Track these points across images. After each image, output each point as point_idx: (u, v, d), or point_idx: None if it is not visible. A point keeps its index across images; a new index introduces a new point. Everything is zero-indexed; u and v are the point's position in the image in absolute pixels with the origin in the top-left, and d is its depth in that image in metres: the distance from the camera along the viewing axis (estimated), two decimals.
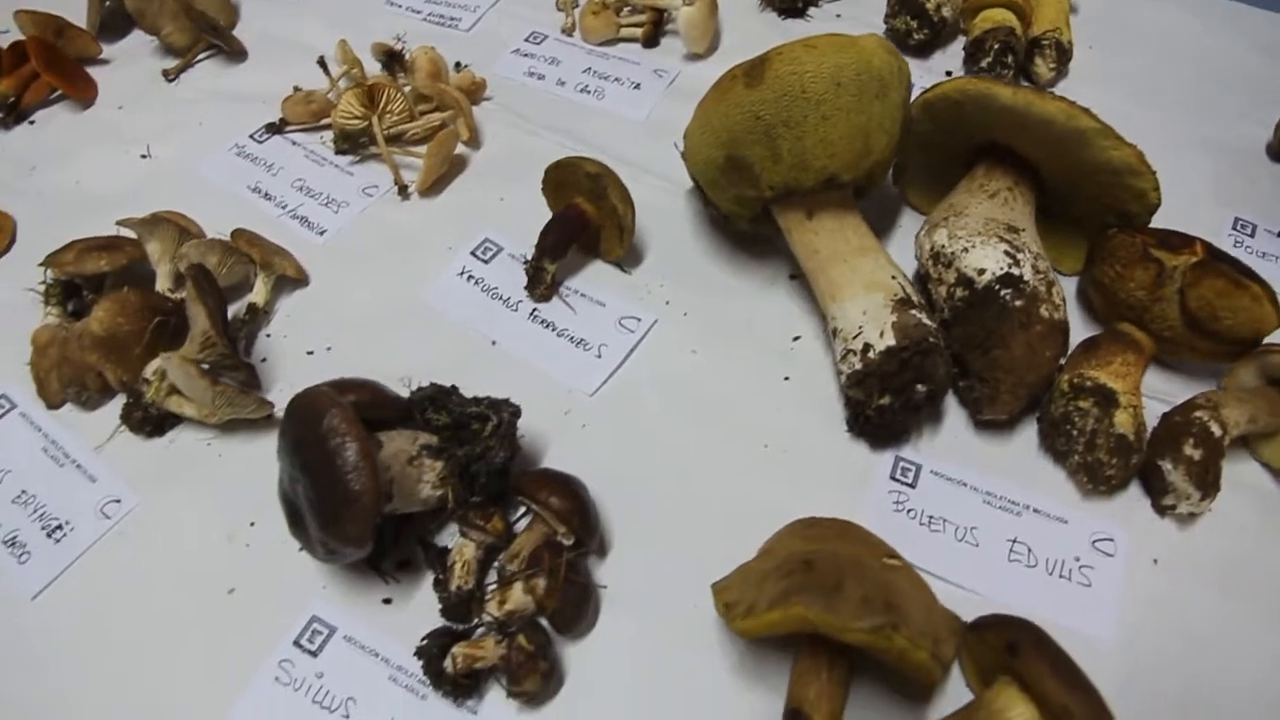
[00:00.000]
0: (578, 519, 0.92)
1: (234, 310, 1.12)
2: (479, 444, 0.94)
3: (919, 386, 1.00)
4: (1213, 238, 1.06)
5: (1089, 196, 1.10)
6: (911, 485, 1.03)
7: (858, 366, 1.00)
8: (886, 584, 0.80)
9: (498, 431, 0.94)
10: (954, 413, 1.09)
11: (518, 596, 0.90)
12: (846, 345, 1.02)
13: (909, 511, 1.01)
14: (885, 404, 1.01)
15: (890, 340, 0.99)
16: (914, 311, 1.01)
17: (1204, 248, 1.04)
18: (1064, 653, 0.81)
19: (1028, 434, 1.08)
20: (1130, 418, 1.00)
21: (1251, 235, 1.28)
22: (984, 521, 1.01)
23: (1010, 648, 0.81)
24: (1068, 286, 1.18)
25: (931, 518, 1.01)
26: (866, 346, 1.00)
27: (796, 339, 1.13)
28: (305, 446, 0.86)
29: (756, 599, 0.81)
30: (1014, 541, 1.00)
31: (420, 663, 0.88)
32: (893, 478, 1.03)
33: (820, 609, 0.76)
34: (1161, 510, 1.03)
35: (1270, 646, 0.93)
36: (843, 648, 0.85)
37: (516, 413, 0.96)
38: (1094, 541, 1.00)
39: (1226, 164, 1.33)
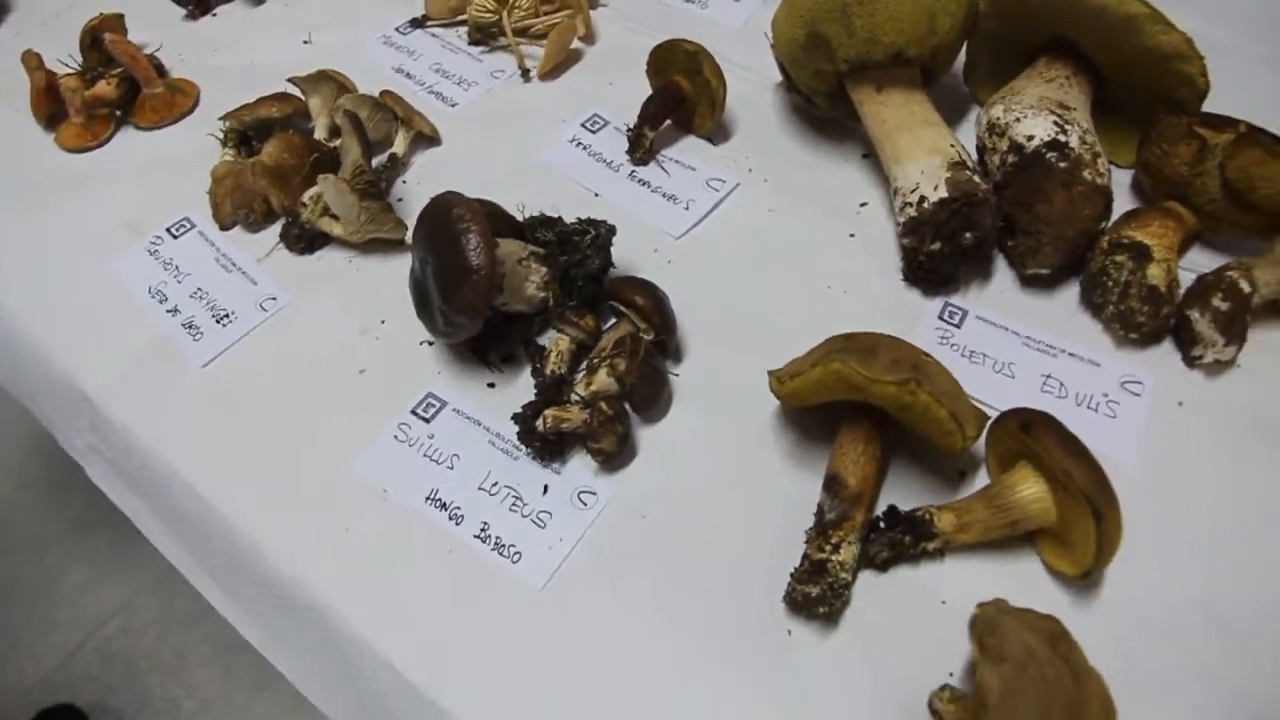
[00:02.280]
0: (658, 316, 1.07)
1: (378, 161, 1.31)
2: (578, 253, 1.10)
3: (967, 234, 1.13)
4: None
5: (1142, 87, 1.20)
6: (958, 326, 1.15)
7: (913, 214, 1.13)
8: (917, 358, 0.93)
9: (595, 242, 1.10)
10: (1002, 273, 1.21)
11: (602, 378, 1.05)
12: (904, 200, 1.16)
13: (952, 345, 1.13)
14: (935, 249, 1.14)
15: (943, 193, 1.12)
16: (967, 171, 1.14)
17: (1247, 127, 1.13)
18: (1072, 434, 0.93)
19: (1070, 293, 1.19)
20: (1163, 272, 1.10)
21: None
22: (1021, 359, 1.12)
23: (1024, 426, 0.93)
24: (1124, 180, 1.28)
25: (973, 352, 1.13)
26: (922, 199, 1.13)
27: (863, 205, 1.26)
28: (436, 231, 1.03)
29: (800, 366, 0.95)
30: (1048, 377, 1.11)
31: (516, 427, 1.04)
32: (940, 318, 1.16)
33: (855, 363, 0.90)
34: (1191, 361, 1.12)
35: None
36: (879, 425, 0.98)
37: (612, 229, 1.12)
38: (1123, 383, 1.11)
39: None
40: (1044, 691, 0.76)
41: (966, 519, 0.94)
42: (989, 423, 0.97)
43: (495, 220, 1.12)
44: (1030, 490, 0.93)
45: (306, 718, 2.15)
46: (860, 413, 0.97)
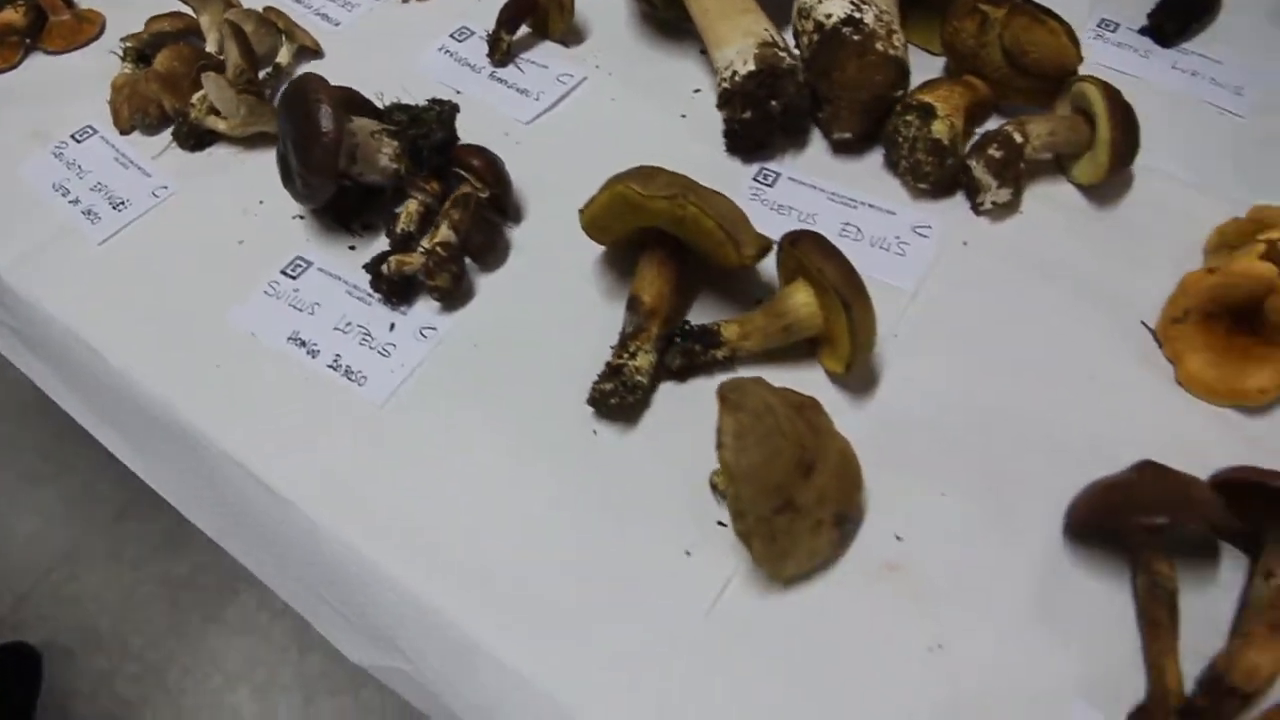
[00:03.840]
0: (491, 175, 1.21)
1: (265, 73, 1.46)
2: (424, 127, 1.24)
3: (773, 102, 1.27)
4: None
5: None
6: (770, 186, 1.29)
7: (725, 87, 1.28)
8: (694, 184, 1.07)
9: (439, 117, 1.24)
10: (817, 142, 1.35)
11: (443, 231, 1.19)
12: (721, 77, 1.30)
13: (763, 201, 1.27)
14: (747, 118, 1.28)
15: (751, 67, 1.26)
16: (773, 48, 1.28)
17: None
18: (835, 247, 1.06)
19: (876, 158, 1.33)
20: (946, 127, 1.24)
21: (1114, 31, 1.49)
22: (824, 210, 1.26)
23: (791, 240, 1.07)
24: (939, 65, 1.42)
25: (781, 206, 1.27)
26: (734, 74, 1.27)
27: (696, 91, 1.40)
28: (292, 105, 1.18)
29: (594, 195, 1.08)
30: (847, 224, 1.25)
31: (368, 276, 1.18)
32: (755, 180, 1.30)
33: (635, 184, 1.03)
34: (976, 208, 1.26)
35: (1051, 314, 1.17)
36: (674, 253, 1.12)
37: (455, 106, 1.26)
38: (915, 228, 1.25)
39: None
40: (776, 437, 0.90)
41: (748, 328, 1.08)
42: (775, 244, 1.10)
43: (353, 104, 1.26)
44: (799, 297, 1.06)
45: (253, 642, 2.28)
46: (657, 242, 1.11)
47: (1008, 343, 1.14)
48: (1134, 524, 0.90)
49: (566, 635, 0.94)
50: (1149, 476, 0.94)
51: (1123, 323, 1.16)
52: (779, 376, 1.03)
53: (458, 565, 0.98)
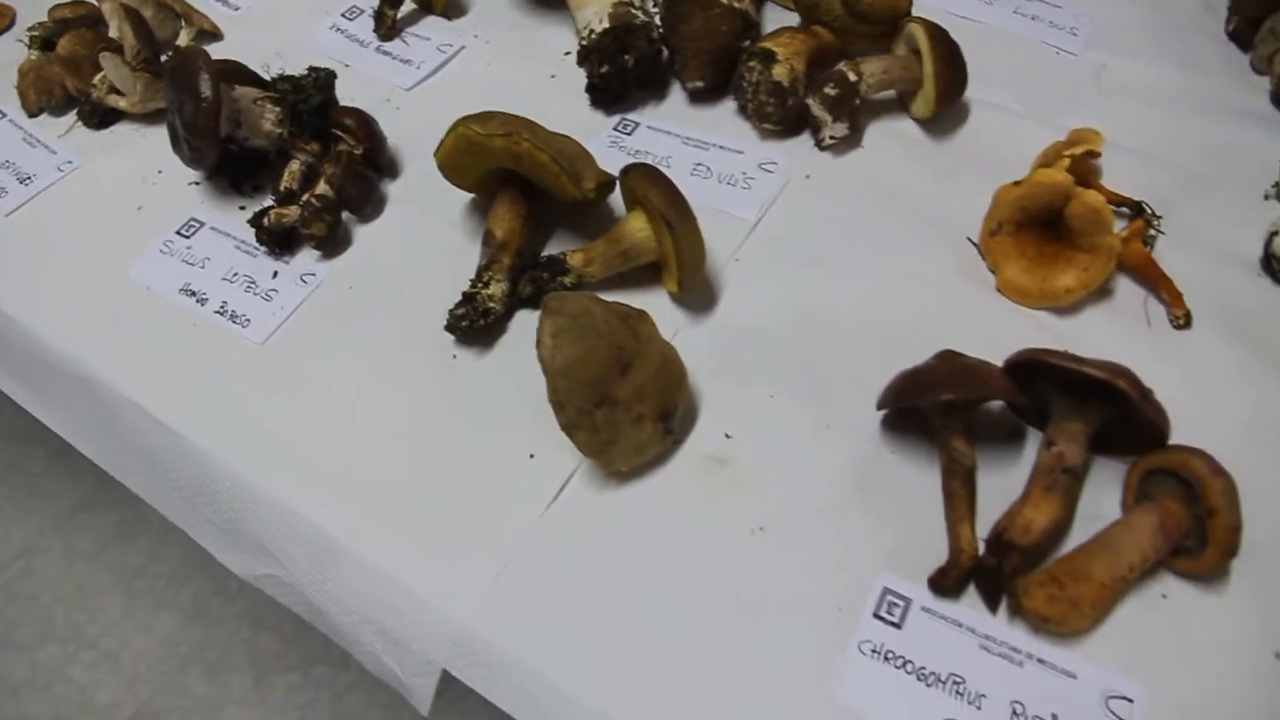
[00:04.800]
0: (363, 132, 1.31)
1: (165, 57, 1.56)
2: (304, 92, 1.34)
3: (626, 56, 1.36)
4: None
5: None
6: (628, 134, 1.39)
7: (583, 45, 1.37)
8: (532, 124, 1.16)
9: (317, 83, 1.34)
10: (676, 94, 1.45)
11: (321, 187, 1.29)
12: (581, 37, 1.40)
13: (621, 148, 1.36)
14: (605, 72, 1.38)
15: (606, 24, 1.36)
16: (628, 7, 1.38)
17: None
18: (665, 176, 1.16)
19: (730, 105, 1.42)
20: (786, 70, 1.34)
21: None
22: (678, 153, 1.36)
23: (624, 171, 1.16)
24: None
25: (637, 151, 1.36)
26: (591, 33, 1.37)
27: (566, 54, 1.50)
28: (176, 76, 1.27)
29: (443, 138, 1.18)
30: (698, 165, 1.34)
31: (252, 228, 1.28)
32: (614, 129, 1.39)
33: (474, 124, 1.13)
34: (819, 144, 1.36)
35: (885, 235, 1.27)
36: (525, 192, 1.21)
37: (332, 73, 1.35)
38: (761, 165, 1.34)
39: None
40: (591, 336, 0.99)
41: (592, 255, 1.17)
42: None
43: (239, 75, 1.36)
44: (634, 223, 1.16)
45: (205, 625, 2.35)
46: (509, 182, 1.20)
47: (842, 262, 1.23)
48: (928, 401, 0.99)
49: (418, 533, 1.03)
50: (944, 361, 1.03)
51: (951, 240, 1.25)
52: (628, 301, 1.11)
53: (325, 477, 1.07)
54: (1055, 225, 1.18)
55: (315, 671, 2.24)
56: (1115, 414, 0.98)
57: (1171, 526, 0.95)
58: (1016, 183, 1.18)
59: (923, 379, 1.01)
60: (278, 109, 1.31)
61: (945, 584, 0.96)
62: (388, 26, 1.52)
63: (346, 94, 1.39)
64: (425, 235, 1.28)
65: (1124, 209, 1.24)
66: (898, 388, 1.02)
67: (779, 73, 1.31)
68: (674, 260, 1.11)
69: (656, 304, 1.19)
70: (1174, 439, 0.99)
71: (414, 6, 1.58)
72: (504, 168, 1.18)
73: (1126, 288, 1.22)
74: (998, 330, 1.17)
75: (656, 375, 1.02)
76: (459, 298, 1.16)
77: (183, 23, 1.56)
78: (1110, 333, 1.17)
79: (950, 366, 1.01)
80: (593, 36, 1.34)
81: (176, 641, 2.31)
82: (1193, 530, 0.95)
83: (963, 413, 1.01)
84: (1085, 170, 1.23)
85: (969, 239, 1.23)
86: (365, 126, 1.30)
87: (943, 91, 1.30)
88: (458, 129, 1.12)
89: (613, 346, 0.99)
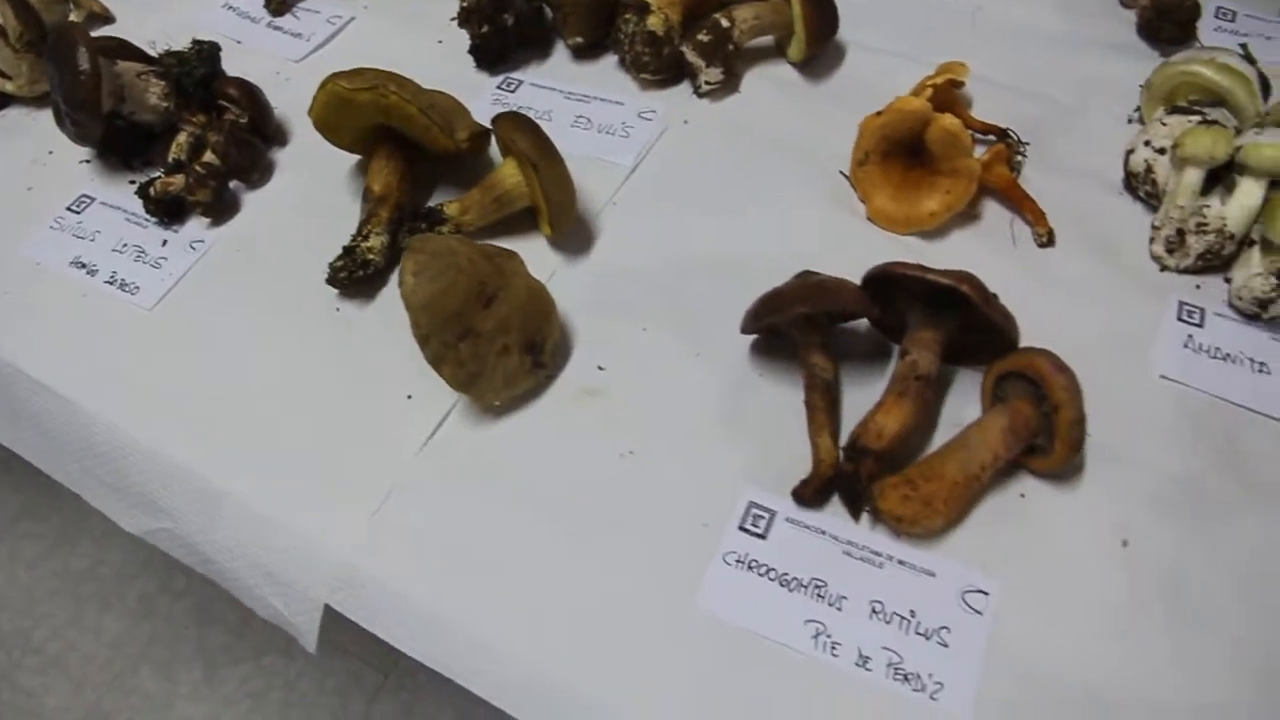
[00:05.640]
0: (247, 100, 1.33)
1: None
2: (188, 65, 1.36)
3: (505, 15, 1.39)
4: None
5: None
6: (512, 92, 1.42)
7: (463, 6, 1.40)
8: (402, 79, 1.19)
9: (200, 55, 1.36)
10: (561, 52, 1.48)
11: (207, 155, 1.31)
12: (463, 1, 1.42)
13: (504, 105, 1.39)
14: (485, 32, 1.40)
15: None
16: None
17: None
18: (532, 122, 1.18)
19: (611, 60, 1.45)
20: (660, 21, 1.37)
21: None
22: (560, 108, 1.39)
23: (494, 120, 1.19)
24: None
25: (521, 108, 1.39)
26: None
27: (452, 19, 1.52)
28: (55, 53, 1.29)
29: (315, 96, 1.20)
30: (579, 117, 1.37)
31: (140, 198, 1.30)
32: (498, 88, 1.42)
33: (342, 80, 1.15)
34: (697, 91, 1.39)
35: (760, 174, 1.31)
36: (402, 146, 1.24)
37: (215, 45, 1.38)
38: (641, 114, 1.37)
39: None
40: (452, 272, 1.01)
41: (468, 203, 1.20)
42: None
43: (124, 51, 1.38)
44: (505, 170, 1.19)
45: (153, 624, 2.36)
46: (386, 139, 1.23)
47: (718, 202, 1.26)
48: (783, 318, 1.02)
49: (299, 476, 1.05)
50: (800, 280, 1.06)
51: (825, 175, 1.29)
52: (510, 247, 1.14)
53: (211, 431, 1.09)
54: (920, 153, 1.21)
55: (266, 661, 2.25)
56: (965, 321, 1.01)
57: (1021, 425, 0.98)
58: (879, 112, 1.21)
59: (778, 298, 1.04)
60: (162, 82, 1.33)
61: (806, 494, 0.99)
62: (277, 2, 1.54)
63: (238, 70, 1.41)
64: (312, 198, 1.30)
65: (991, 137, 1.28)
66: (756, 309, 1.05)
67: (653, 23, 1.34)
68: (542, 201, 1.14)
69: (535, 248, 1.22)
70: (1038, 347, 1.02)
71: None
72: (381, 125, 1.21)
73: (994, 211, 1.26)
74: (869, 257, 1.17)
75: (521, 308, 1.05)
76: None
77: (72, 6, 1.57)
78: (978, 253, 1.21)
79: (804, 284, 1.04)
80: None
81: (124, 642, 2.32)
82: (1042, 428, 0.98)
83: (820, 328, 1.04)
84: (950, 100, 1.26)
85: (841, 172, 1.27)
86: (249, 95, 1.33)
87: (813, 34, 1.33)
88: (327, 85, 1.15)
89: (474, 281, 1.02)
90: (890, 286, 1.04)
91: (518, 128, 1.14)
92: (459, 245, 1.04)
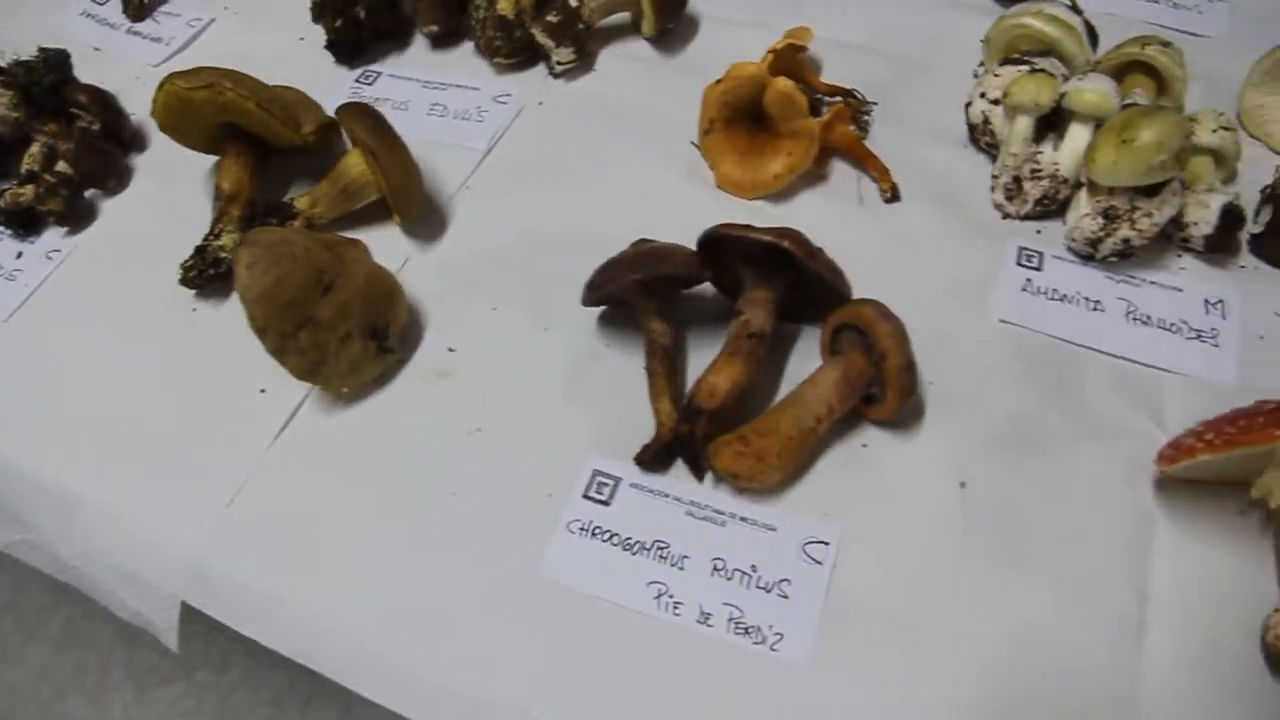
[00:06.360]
0: (98, 106, 1.33)
1: None
2: (35, 74, 1.35)
3: (357, 8, 1.40)
4: None
5: None
6: (370, 84, 1.42)
7: (316, 2, 1.40)
8: (241, 75, 1.19)
9: (47, 63, 1.36)
10: (420, 44, 1.48)
11: (61, 165, 1.30)
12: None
13: (362, 97, 1.40)
14: (339, 26, 1.41)
15: None
16: None
17: None
18: (374, 111, 1.19)
19: (469, 46, 1.46)
20: (510, 4, 1.37)
21: None
22: (416, 96, 1.40)
23: (336, 112, 1.20)
24: None
25: (378, 99, 1.39)
26: None
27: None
28: None
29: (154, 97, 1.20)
30: (435, 104, 1.38)
31: None
32: (356, 81, 1.43)
33: (179, 80, 1.15)
34: (551, 71, 1.40)
35: (614, 149, 1.32)
36: (253, 144, 1.24)
37: (63, 53, 1.38)
38: (496, 98, 1.38)
39: None
40: (286, 262, 1.02)
41: (316, 196, 1.21)
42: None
43: None
44: (351, 160, 1.19)
45: (79, 650, 2.33)
46: (236, 137, 1.23)
47: (572, 180, 1.28)
48: (615, 285, 1.04)
49: (154, 475, 1.05)
50: (634, 248, 1.08)
51: (678, 147, 1.30)
52: (365, 238, 1.15)
53: (67, 437, 1.09)
54: (761, 118, 1.22)
55: (198, 677, 2.22)
56: (796, 278, 1.03)
57: (855, 376, 1.00)
58: (719, 80, 1.23)
59: (611, 268, 1.05)
60: (10, 92, 1.33)
61: (646, 458, 1.00)
62: (135, 7, 1.54)
63: (97, 77, 1.41)
64: (172, 202, 1.31)
65: (836, 98, 1.30)
66: (593, 280, 1.06)
67: (503, 7, 1.35)
68: (386, 188, 1.15)
69: (390, 236, 1.23)
70: (882, 299, 1.03)
71: None
72: (228, 123, 1.21)
73: (841, 170, 1.28)
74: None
75: (361, 293, 1.06)
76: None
77: None
78: (825, 213, 1.23)
79: (637, 252, 1.06)
80: None
81: (51, 671, 2.28)
82: (876, 378, 1.00)
83: (656, 295, 1.05)
84: (795, 64, 1.28)
85: (692, 142, 1.28)
86: (100, 101, 1.33)
87: (660, 9, 1.35)
88: (164, 86, 1.15)
89: (311, 270, 1.03)
90: (723, 249, 1.05)
91: (356, 117, 1.14)
92: (295, 235, 1.05)
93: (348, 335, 1.05)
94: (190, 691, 2.18)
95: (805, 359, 1.10)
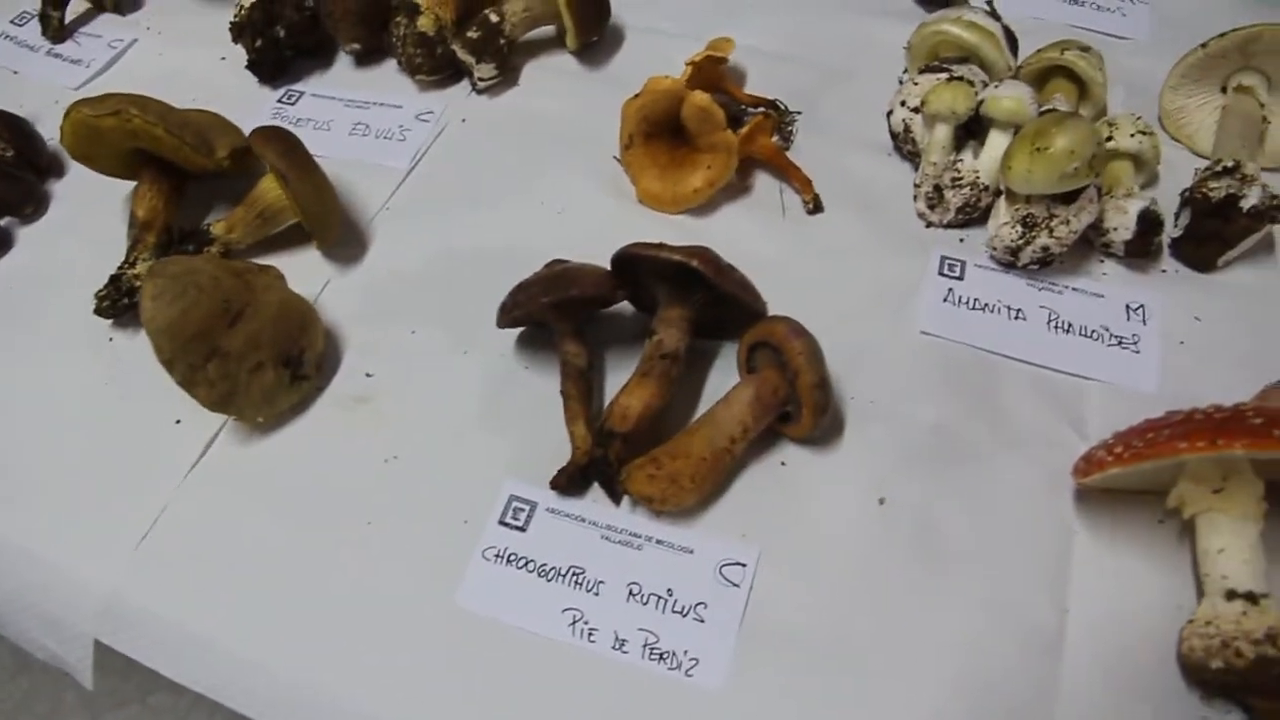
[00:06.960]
0: (10, 133, 1.31)
1: None
2: None
3: (276, 28, 1.38)
4: None
5: None
6: (293, 104, 1.40)
7: (234, 21, 1.39)
8: (148, 101, 1.17)
9: None
10: (344, 62, 1.47)
11: None
12: (233, 15, 1.40)
13: (284, 118, 1.38)
14: (259, 45, 1.39)
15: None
16: None
17: None
18: (288, 135, 1.18)
19: (393, 64, 1.45)
20: (431, 21, 1.36)
21: None
22: (339, 115, 1.39)
23: (249, 136, 1.18)
24: None
25: (300, 120, 1.38)
26: (241, 8, 1.38)
27: None
28: None
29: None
30: (358, 123, 1.38)
31: None
32: (279, 101, 1.41)
33: (85, 107, 1.13)
34: (474, 88, 1.39)
35: (536, 165, 1.32)
36: (167, 170, 1.22)
37: None
38: (418, 115, 1.37)
39: None
40: (193, 292, 1.00)
41: (233, 221, 1.19)
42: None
43: None
44: (266, 184, 1.18)
45: (31, 678, 2.27)
46: (150, 163, 1.21)
47: (492, 197, 1.27)
48: (526, 309, 1.03)
49: (64, 510, 1.03)
50: (546, 269, 1.07)
51: (601, 162, 1.29)
52: (284, 263, 1.15)
53: None
54: (680, 132, 1.21)
55: (153, 700, 2.20)
56: (708, 295, 1.02)
57: (769, 394, 0.99)
58: (637, 95, 1.22)
59: (522, 290, 1.04)
60: None
61: (561, 482, 0.99)
62: (55, 28, 1.52)
63: (14, 101, 1.40)
64: (89, 229, 1.29)
65: (759, 109, 1.29)
66: (505, 303, 1.05)
67: (423, 23, 1.34)
68: (300, 213, 1.13)
69: (310, 260, 1.21)
70: (805, 313, 1.02)
71: (88, 5, 1.57)
72: (143, 148, 1.19)
73: (765, 182, 1.27)
74: (641, 239, 1.20)
75: (273, 321, 1.05)
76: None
77: None
78: (749, 226, 1.23)
79: (549, 274, 1.05)
80: (242, 12, 1.36)
81: (2, 698, 2.25)
82: (791, 395, 0.99)
83: (570, 316, 1.04)
84: (716, 76, 1.27)
85: (614, 157, 1.27)
86: (12, 128, 1.31)
87: (580, 22, 1.34)
88: (70, 114, 1.13)
89: (217, 300, 1.01)
90: (637, 268, 1.04)
91: (267, 141, 1.13)
92: (202, 264, 1.03)
93: (259, 365, 1.03)
94: (144, 715, 2.16)
95: (726, 375, 1.09)
